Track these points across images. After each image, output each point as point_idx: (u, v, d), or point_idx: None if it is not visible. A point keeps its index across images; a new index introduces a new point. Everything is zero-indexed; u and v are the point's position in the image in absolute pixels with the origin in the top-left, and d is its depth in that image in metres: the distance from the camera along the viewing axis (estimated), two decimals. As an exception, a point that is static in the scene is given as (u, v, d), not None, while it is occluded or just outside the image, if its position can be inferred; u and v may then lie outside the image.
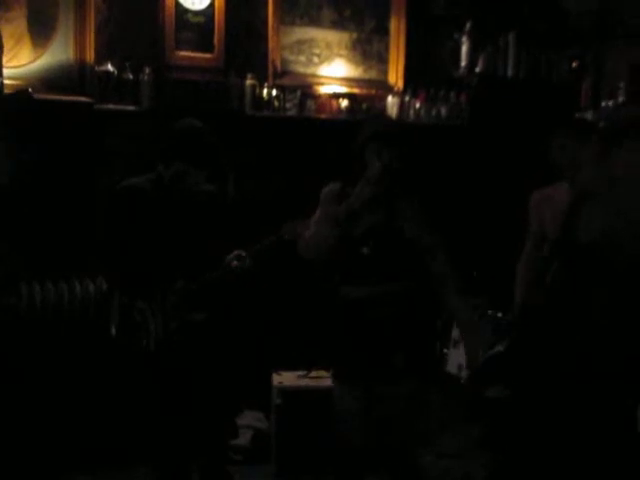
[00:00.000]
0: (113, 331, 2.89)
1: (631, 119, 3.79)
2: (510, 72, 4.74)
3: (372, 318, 2.82)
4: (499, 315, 4.36)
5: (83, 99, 3.93)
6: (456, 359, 4.37)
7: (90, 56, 3.94)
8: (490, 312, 4.38)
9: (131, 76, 4.01)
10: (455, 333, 4.42)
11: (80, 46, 3.91)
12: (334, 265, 2.84)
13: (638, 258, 2.66)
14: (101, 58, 3.97)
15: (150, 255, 2.88)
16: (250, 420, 4.10)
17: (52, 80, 3.88)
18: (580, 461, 2.73)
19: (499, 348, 4.06)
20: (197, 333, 2.97)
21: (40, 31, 3.85)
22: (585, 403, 2.72)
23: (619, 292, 2.67)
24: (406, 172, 2.86)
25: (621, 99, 4.47)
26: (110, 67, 3.96)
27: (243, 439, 3.98)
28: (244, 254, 2.99)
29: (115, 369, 3.68)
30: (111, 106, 3.99)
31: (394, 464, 2.96)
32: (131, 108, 4.03)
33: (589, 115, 4.70)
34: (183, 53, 4.13)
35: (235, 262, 2.99)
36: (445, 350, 4.40)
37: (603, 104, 4.63)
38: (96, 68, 3.96)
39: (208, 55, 4.18)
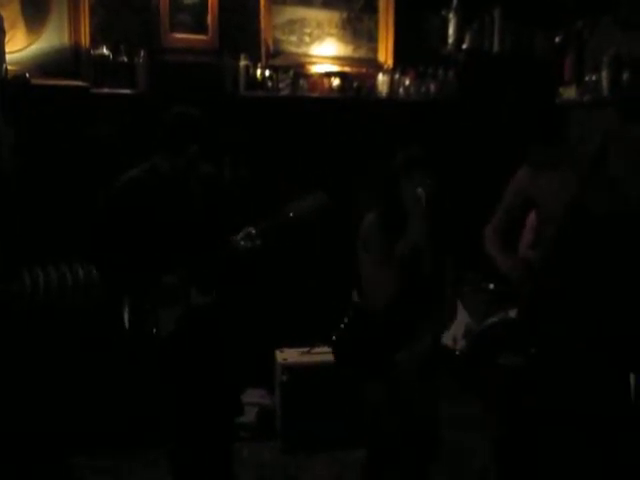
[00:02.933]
0: (126, 322, 2.92)
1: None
2: (496, 48, 4.80)
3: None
4: (491, 287, 4.48)
5: (79, 83, 3.91)
6: (451, 331, 4.48)
7: (85, 40, 3.91)
8: (482, 284, 4.51)
9: (126, 59, 3.99)
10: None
11: (74, 30, 3.89)
12: None
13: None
14: (96, 42, 3.95)
15: (155, 244, 2.91)
16: (254, 397, 4.18)
17: (47, 65, 3.86)
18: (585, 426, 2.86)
19: (494, 319, 4.20)
20: (205, 316, 3.02)
21: (34, 15, 3.82)
22: (592, 369, 2.84)
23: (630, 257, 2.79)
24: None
25: (604, 73, 4.56)
26: (105, 51, 3.95)
27: (248, 416, 4.06)
28: (254, 232, 2.99)
29: (122, 352, 3.74)
30: (107, 90, 3.98)
31: (421, 442, 3.07)
32: (127, 91, 4.02)
33: (572, 90, 4.80)
34: (178, 35, 4.12)
35: (242, 242, 2.99)
36: (440, 323, 4.52)
37: (587, 78, 4.71)
38: (91, 52, 3.93)
39: (202, 37, 4.17)
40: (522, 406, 3.20)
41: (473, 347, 4.16)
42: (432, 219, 2.88)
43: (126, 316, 2.94)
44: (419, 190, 2.80)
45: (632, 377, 2.86)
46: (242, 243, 2.96)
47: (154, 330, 2.92)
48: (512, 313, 3.94)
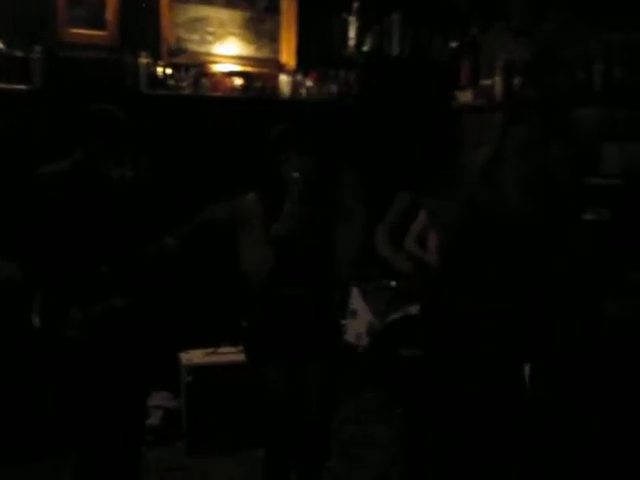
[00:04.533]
0: (37, 321, 2.83)
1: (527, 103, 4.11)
2: (395, 51, 4.92)
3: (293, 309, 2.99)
4: (392, 284, 4.59)
5: (-28, 78, 3.75)
6: (354, 329, 4.56)
7: (-22, 34, 3.76)
8: (384, 282, 4.61)
9: (22, 54, 3.85)
10: (352, 304, 4.62)
11: (-34, 23, 3.73)
12: None
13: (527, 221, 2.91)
14: (-10, 36, 3.80)
15: (70, 241, 2.84)
16: (159, 400, 4.11)
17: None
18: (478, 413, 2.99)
19: (395, 315, 4.30)
20: (119, 319, 2.95)
21: None
22: (483, 362, 2.97)
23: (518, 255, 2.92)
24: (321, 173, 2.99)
25: (498, 78, 4.74)
26: (0, 45, 3.79)
27: (154, 419, 4.00)
28: (170, 237, 2.97)
29: (33, 355, 3.59)
30: (1, 85, 3.82)
31: (310, 433, 3.11)
32: (22, 87, 3.87)
33: (468, 93, 4.97)
34: (76, 30, 4.01)
35: (160, 245, 2.96)
36: (344, 321, 4.59)
37: (481, 83, 4.89)
38: (-15, 46, 3.78)
39: (101, 32, 4.08)
40: (424, 396, 3.33)
41: (376, 343, 4.25)
42: (311, 201, 2.91)
43: (36, 314, 2.85)
44: (295, 174, 2.83)
45: (527, 367, 3.02)
46: (160, 245, 2.94)
47: (66, 330, 2.85)
48: (412, 309, 4.06)
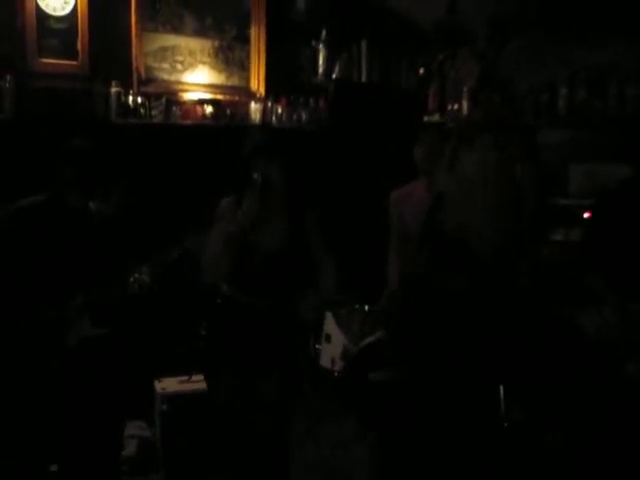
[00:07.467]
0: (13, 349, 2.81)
1: (475, 125, 4.20)
2: (364, 78, 5.00)
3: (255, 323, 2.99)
4: (366, 309, 4.59)
5: (-60, 108, 3.74)
6: (329, 353, 4.55)
7: (-53, 64, 3.76)
8: (358, 306, 4.61)
9: (-8, 84, 3.86)
10: (327, 328, 4.61)
11: None
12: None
13: (490, 245, 2.96)
14: (-42, 66, 3.80)
15: (45, 272, 2.83)
16: (133, 430, 4.06)
17: None
18: (454, 435, 3.01)
19: (370, 339, 4.31)
20: (97, 348, 2.94)
21: None
22: (455, 384, 2.99)
23: (478, 276, 2.96)
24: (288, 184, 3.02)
25: (465, 104, 4.83)
26: (-31, 75, 3.80)
27: (128, 450, 3.94)
28: (146, 268, 2.98)
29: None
30: (-29, 115, 3.83)
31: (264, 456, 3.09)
32: (-6, 117, 3.88)
33: (436, 118, 5.04)
34: (46, 60, 4.03)
35: (137, 276, 2.97)
36: (318, 346, 4.58)
37: (449, 108, 4.98)
38: (-46, 76, 3.78)
39: (72, 62, 4.11)
40: (394, 420, 3.33)
41: (351, 367, 4.25)
42: (267, 203, 2.91)
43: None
44: (255, 175, 2.85)
45: (501, 388, 3.04)
46: (137, 276, 2.95)
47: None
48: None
